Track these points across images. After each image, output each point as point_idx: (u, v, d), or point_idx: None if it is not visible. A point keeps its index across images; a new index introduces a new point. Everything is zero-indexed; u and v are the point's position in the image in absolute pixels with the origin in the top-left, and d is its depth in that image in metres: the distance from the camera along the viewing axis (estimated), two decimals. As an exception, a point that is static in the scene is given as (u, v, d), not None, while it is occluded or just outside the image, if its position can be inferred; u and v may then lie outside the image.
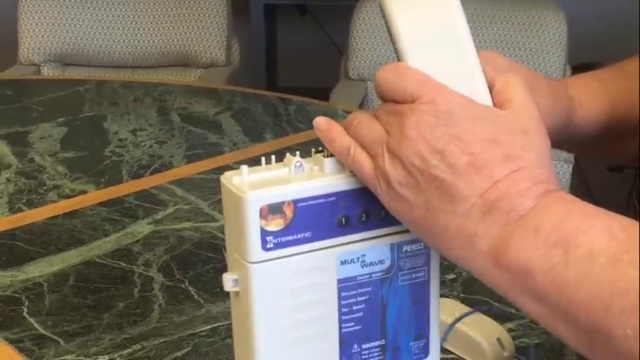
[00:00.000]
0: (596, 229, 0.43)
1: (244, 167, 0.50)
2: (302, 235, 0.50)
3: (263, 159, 0.51)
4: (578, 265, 0.43)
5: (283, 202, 0.49)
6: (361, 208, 0.51)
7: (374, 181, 0.49)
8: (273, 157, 0.51)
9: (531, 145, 0.47)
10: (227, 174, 0.51)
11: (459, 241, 0.47)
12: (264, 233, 0.49)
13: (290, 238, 0.50)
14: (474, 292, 0.85)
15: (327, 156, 0.51)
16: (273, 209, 0.49)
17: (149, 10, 2.35)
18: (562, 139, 0.64)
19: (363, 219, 0.51)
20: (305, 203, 0.49)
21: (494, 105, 0.49)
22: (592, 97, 0.65)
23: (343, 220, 0.51)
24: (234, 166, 1.14)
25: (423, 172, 0.47)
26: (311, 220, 0.50)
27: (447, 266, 0.89)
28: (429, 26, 0.50)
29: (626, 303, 0.41)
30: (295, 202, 0.49)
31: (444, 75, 0.49)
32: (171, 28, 2.34)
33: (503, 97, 0.49)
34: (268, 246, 0.49)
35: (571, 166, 1.83)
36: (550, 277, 0.43)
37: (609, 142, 0.67)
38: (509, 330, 0.76)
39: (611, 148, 0.69)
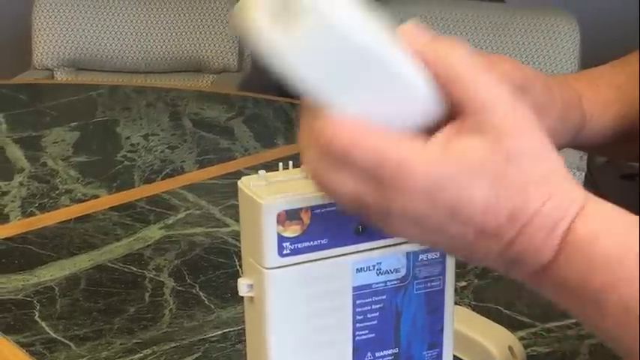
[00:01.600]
0: (625, 280, 0.40)
1: (262, 172, 0.50)
2: (318, 241, 0.50)
3: (280, 164, 0.51)
4: (614, 319, 0.41)
5: (301, 209, 0.49)
6: (378, 216, 0.51)
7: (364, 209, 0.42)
8: (290, 162, 0.51)
9: (524, 169, 0.40)
10: (244, 179, 0.51)
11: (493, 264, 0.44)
12: (280, 239, 0.49)
13: (306, 244, 0.49)
14: (485, 300, 0.85)
15: None
16: (291, 215, 0.49)
17: (162, 15, 2.36)
18: (571, 145, 0.64)
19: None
20: (322, 210, 0.49)
21: (453, 110, 0.41)
22: (605, 107, 0.65)
23: (360, 227, 0.51)
24: (245, 172, 1.13)
25: (434, 241, 0.43)
26: (328, 227, 0.50)
27: (458, 274, 0.88)
28: (326, 52, 0.39)
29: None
30: (313, 208, 0.49)
31: (378, 109, 0.41)
32: (183, 33, 2.35)
33: (470, 106, 0.41)
34: (285, 252, 0.49)
35: (583, 173, 1.82)
36: (588, 324, 0.43)
37: (621, 144, 0.67)
38: (521, 338, 0.76)
39: (623, 150, 0.68)
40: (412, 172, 0.39)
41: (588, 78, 0.67)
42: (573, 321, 0.81)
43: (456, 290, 0.85)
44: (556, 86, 0.61)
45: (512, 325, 0.77)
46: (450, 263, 0.54)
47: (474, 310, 0.80)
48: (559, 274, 0.42)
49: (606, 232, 0.41)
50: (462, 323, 0.72)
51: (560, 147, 0.63)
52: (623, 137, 0.66)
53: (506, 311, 0.83)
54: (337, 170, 0.41)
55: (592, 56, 2.24)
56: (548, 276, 0.43)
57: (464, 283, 0.87)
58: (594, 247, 0.41)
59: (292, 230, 0.49)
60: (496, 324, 0.74)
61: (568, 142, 0.63)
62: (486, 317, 0.76)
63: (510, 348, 0.71)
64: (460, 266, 0.89)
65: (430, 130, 0.42)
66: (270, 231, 0.49)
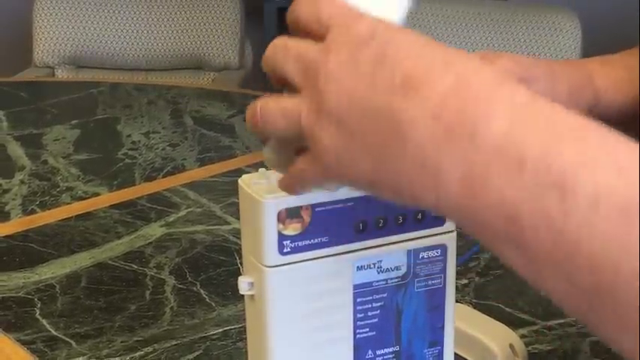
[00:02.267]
0: (598, 161, 0.34)
1: (263, 170, 0.50)
2: (319, 239, 0.50)
3: None
4: (580, 215, 0.33)
5: (301, 207, 0.49)
6: (378, 214, 0.51)
7: (313, 170, 0.41)
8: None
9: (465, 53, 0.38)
10: (245, 177, 0.51)
11: (422, 179, 0.37)
12: (281, 237, 0.49)
13: (307, 242, 0.49)
14: (486, 298, 0.84)
15: None
16: (291, 213, 0.49)
17: (163, 13, 2.35)
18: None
19: (381, 225, 0.51)
20: (323, 208, 0.49)
21: None
22: (618, 83, 0.64)
23: (360, 225, 0.50)
24: (246, 170, 1.14)
25: (352, 113, 0.38)
26: (328, 225, 0.50)
27: (459, 272, 0.88)
28: None
29: None
30: (313, 206, 0.49)
31: None
32: (184, 31, 2.35)
33: None
34: (285, 250, 0.49)
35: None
36: (544, 226, 0.34)
37: (632, 132, 0.66)
38: (522, 336, 0.76)
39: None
40: (363, 18, 0.40)
41: (599, 60, 0.66)
42: (575, 318, 0.81)
43: (457, 288, 0.85)
44: (560, 69, 0.61)
45: (513, 323, 0.77)
46: (451, 261, 0.54)
47: (475, 307, 0.80)
48: (514, 149, 0.35)
49: (566, 113, 0.36)
50: (463, 321, 0.72)
51: None
52: (636, 122, 0.65)
53: (507, 309, 0.83)
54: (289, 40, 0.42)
55: (593, 53, 2.24)
56: (495, 155, 0.35)
57: (465, 281, 0.87)
58: (557, 113, 0.36)
59: (293, 228, 0.49)
60: (497, 322, 0.74)
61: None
62: (487, 315, 0.76)
63: (511, 346, 0.71)
64: (461, 264, 0.89)
65: None
66: (270, 229, 0.49)
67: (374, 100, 0.37)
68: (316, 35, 0.41)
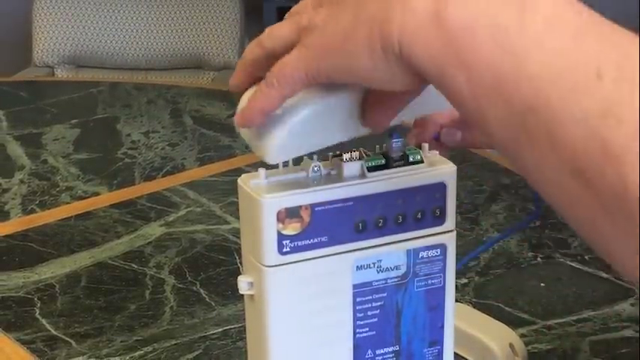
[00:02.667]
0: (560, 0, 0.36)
1: (262, 170, 0.50)
2: (319, 239, 0.50)
3: (280, 162, 0.51)
4: (534, 30, 0.35)
5: (301, 207, 0.49)
6: (378, 214, 0.51)
7: (297, 55, 0.43)
8: (290, 160, 0.51)
9: None
10: (244, 176, 0.51)
11: (392, 7, 0.38)
12: (280, 237, 0.49)
13: (307, 242, 0.49)
14: (485, 298, 0.84)
15: (345, 160, 0.51)
16: (291, 213, 0.49)
17: (162, 12, 2.35)
18: None
19: (380, 224, 0.51)
20: (322, 208, 0.49)
21: None
22: None
23: (360, 225, 0.50)
24: (246, 169, 1.14)
25: None
26: (328, 225, 0.50)
27: (459, 271, 0.88)
28: None
29: (582, 83, 0.34)
30: (313, 206, 0.49)
31: None
32: (184, 30, 2.35)
33: None
34: (285, 250, 0.49)
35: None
36: (496, 40, 0.36)
37: None
38: (522, 336, 0.76)
39: None
40: None
41: None
42: (574, 318, 0.81)
43: (456, 287, 0.85)
44: None
45: (513, 323, 0.77)
46: (451, 260, 0.54)
47: (474, 307, 0.80)
48: None
49: None
50: (462, 320, 0.72)
51: None
52: None
53: (507, 308, 0.83)
54: None
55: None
56: None
57: (465, 281, 0.87)
58: None
59: (292, 228, 0.49)
60: (497, 321, 0.74)
61: None
62: (487, 314, 0.76)
63: (511, 345, 0.71)
64: (460, 268, 0.89)
65: None
66: (270, 229, 0.48)
67: None
68: None
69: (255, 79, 0.47)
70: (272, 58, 0.44)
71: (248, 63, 0.46)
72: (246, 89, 0.47)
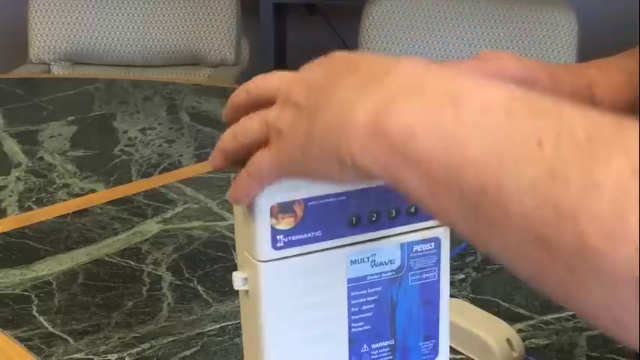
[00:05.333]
0: (492, 85, 0.38)
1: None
2: (312, 234, 0.50)
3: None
4: (470, 120, 0.37)
5: (294, 201, 0.49)
6: (372, 208, 0.51)
7: (268, 155, 0.46)
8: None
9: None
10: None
11: (339, 125, 0.41)
12: (274, 232, 0.49)
13: (300, 237, 0.49)
14: (483, 293, 0.84)
15: None
16: (284, 208, 0.49)
17: (159, 9, 2.35)
18: None
19: (374, 218, 0.51)
20: (316, 202, 0.49)
21: None
22: (617, 92, 0.64)
23: (354, 219, 0.50)
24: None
25: (308, 95, 0.44)
26: (322, 220, 0.50)
27: (455, 267, 0.89)
28: None
29: (524, 154, 0.35)
30: (306, 200, 0.49)
31: None
32: (180, 27, 2.35)
33: None
34: (278, 245, 0.49)
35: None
36: (437, 136, 0.37)
37: None
38: (519, 330, 0.76)
39: None
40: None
41: (598, 65, 0.67)
42: (571, 313, 0.81)
43: (454, 283, 0.85)
44: (562, 74, 0.61)
45: (510, 318, 0.77)
46: (445, 254, 0.54)
47: (472, 302, 0.80)
48: (418, 80, 0.40)
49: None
50: (460, 316, 0.72)
51: None
52: None
53: (504, 304, 0.83)
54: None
55: (590, 49, 2.24)
56: (401, 88, 0.40)
57: (462, 276, 0.87)
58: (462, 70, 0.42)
59: (286, 223, 0.49)
60: (494, 316, 0.74)
61: None
62: (484, 310, 0.76)
63: (508, 340, 0.71)
64: (458, 259, 0.89)
65: None
66: (263, 224, 0.48)
67: (321, 81, 0.44)
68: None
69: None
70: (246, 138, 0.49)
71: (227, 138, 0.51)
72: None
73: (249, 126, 0.48)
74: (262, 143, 0.47)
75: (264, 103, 0.48)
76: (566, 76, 0.61)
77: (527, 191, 0.34)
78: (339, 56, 0.46)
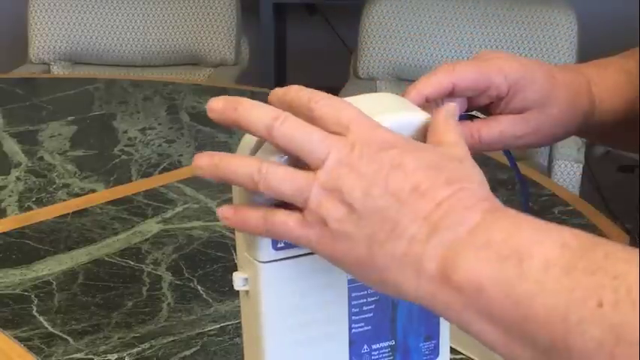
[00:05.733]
0: (549, 239, 0.41)
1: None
2: (313, 234, 0.49)
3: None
4: (533, 277, 0.40)
5: (294, 202, 0.49)
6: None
7: (304, 233, 0.45)
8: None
9: (470, 172, 0.46)
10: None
11: (406, 269, 0.43)
12: (274, 233, 0.49)
13: (301, 237, 0.49)
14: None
15: None
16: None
17: (159, 9, 2.35)
18: (580, 132, 0.64)
19: (374, 219, 0.51)
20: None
21: None
22: (615, 92, 0.64)
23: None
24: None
25: (365, 204, 0.44)
26: (322, 220, 0.49)
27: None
28: None
29: (585, 313, 0.38)
30: (306, 201, 0.49)
31: None
32: (180, 27, 2.35)
33: (434, 139, 0.48)
34: (279, 245, 0.49)
35: (581, 166, 1.82)
36: (504, 292, 0.41)
37: (630, 132, 0.66)
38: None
39: (632, 138, 0.68)
40: (382, 129, 0.46)
41: (597, 65, 0.67)
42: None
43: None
44: (560, 74, 0.61)
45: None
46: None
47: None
48: (482, 235, 0.42)
49: (530, 217, 0.44)
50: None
51: (567, 135, 0.63)
52: (632, 124, 0.65)
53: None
54: None
55: (590, 49, 2.24)
56: (467, 242, 0.42)
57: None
58: (521, 216, 0.44)
59: (286, 223, 0.49)
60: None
61: (576, 129, 0.62)
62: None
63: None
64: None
65: None
66: (264, 224, 0.48)
67: (385, 199, 0.44)
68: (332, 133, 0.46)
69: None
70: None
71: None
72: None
73: (280, 179, 0.45)
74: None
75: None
76: (564, 76, 0.61)
77: (595, 349, 0.38)
78: (391, 155, 0.45)
